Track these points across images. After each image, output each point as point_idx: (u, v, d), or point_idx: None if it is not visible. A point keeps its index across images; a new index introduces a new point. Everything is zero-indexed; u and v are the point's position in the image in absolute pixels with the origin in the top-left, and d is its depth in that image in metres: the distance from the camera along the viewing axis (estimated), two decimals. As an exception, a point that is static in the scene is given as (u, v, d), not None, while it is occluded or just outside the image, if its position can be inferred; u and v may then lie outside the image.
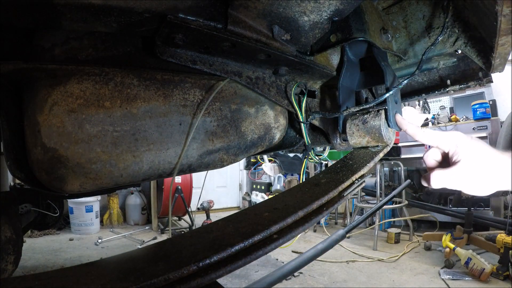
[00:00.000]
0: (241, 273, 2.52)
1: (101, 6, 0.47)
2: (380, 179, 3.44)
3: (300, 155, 5.17)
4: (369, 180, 3.76)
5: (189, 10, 0.52)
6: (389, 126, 0.70)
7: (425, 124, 4.19)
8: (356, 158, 0.70)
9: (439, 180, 0.54)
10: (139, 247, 3.22)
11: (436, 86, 0.99)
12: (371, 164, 0.66)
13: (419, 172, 4.29)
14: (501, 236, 2.33)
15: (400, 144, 3.81)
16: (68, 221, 4.06)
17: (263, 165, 5.44)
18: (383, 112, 0.70)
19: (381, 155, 0.71)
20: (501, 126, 3.23)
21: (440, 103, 4.48)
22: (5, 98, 0.65)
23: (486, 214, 3.29)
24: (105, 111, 0.58)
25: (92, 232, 4.05)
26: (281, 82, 0.75)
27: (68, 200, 3.88)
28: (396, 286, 2.28)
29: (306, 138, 0.81)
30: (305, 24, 0.62)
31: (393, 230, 3.43)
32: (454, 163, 0.54)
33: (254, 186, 5.76)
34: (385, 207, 3.56)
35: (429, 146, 0.62)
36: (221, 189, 5.99)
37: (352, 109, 0.74)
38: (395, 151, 3.54)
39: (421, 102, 4.42)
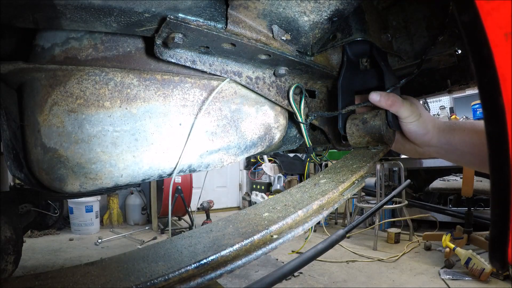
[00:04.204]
0: (241, 273, 2.52)
1: (101, 6, 0.47)
2: (380, 179, 3.44)
3: (300, 155, 5.17)
4: (369, 180, 3.76)
5: (189, 10, 0.52)
6: (389, 126, 0.70)
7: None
8: (356, 158, 0.70)
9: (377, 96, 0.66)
10: (139, 247, 3.22)
11: (436, 86, 0.99)
12: (371, 164, 0.66)
13: (419, 172, 4.29)
14: (501, 236, 2.32)
15: (400, 144, 3.80)
16: (68, 221, 4.07)
17: (263, 165, 5.44)
18: (383, 112, 0.70)
19: (381, 155, 0.71)
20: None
21: (440, 103, 4.48)
22: (5, 98, 0.65)
23: (486, 214, 3.29)
24: (105, 111, 0.58)
25: (92, 232, 4.05)
26: (281, 82, 0.75)
27: (68, 200, 3.88)
28: (396, 286, 2.29)
29: (307, 140, 0.80)
30: (305, 24, 0.62)
31: (393, 230, 3.43)
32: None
33: (254, 186, 5.76)
34: (385, 207, 3.56)
35: None
36: (221, 189, 5.99)
37: (351, 107, 0.74)
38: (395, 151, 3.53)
39: (421, 102, 4.42)
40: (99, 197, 4.19)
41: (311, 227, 0.56)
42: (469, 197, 2.73)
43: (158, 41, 0.55)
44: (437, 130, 0.68)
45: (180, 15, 0.52)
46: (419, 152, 0.74)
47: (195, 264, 0.39)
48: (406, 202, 3.48)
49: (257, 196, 5.28)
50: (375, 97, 0.67)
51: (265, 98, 0.74)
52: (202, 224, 3.93)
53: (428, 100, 4.46)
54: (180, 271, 0.38)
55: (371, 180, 3.75)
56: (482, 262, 2.24)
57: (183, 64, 0.60)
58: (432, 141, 0.69)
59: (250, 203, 5.48)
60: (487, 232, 2.83)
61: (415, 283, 2.32)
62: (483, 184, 2.78)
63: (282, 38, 0.64)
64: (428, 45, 0.79)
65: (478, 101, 3.73)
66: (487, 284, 2.24)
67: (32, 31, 0.61)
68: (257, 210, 0.54)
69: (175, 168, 0.65)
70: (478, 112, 3.71)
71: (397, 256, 2.89)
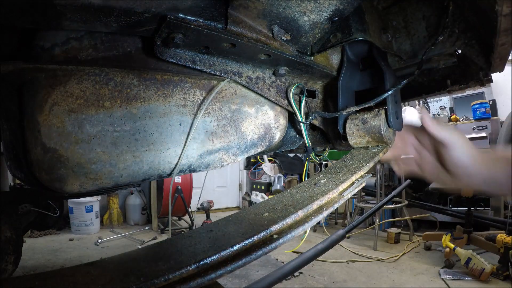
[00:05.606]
0: (241, 273, 2.52)
1: (101, 6, 0.47)
2: (380, 179, 3.44)
3: (300, 155, 5.17)
4: (369, 180, 3.76)
5: (189, 10, 0.52)
6: (389, 126, 0.70)
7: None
8: (356, 158, 0.70)
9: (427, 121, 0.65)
10: (139, 247, 3.22)
11: (436, 86, 0.99)
12: (371, 164, 0.66)
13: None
14: (501, 236, 2.33)
15: (400, 144, 3.80)
16: (68, 221, 4.06)
17: (263, 165, 5.44)
18: (383, 112, 0.70)
19: (381, 155, 0.71)
20: (501, 126, 3.23)
21: (440, 103, 4.48)
22: (5, 98, 0.65)
23: (486, 214, 3.29)
24: (105, 111, 0.58)
25: (92, 232, 4.05)
26: (281, 82, 0.75)
27: (68, 200, 3.88)
28: (396, 286, 2.29)
29: (307, 140, 0.80)
30: (305, 24, 0.62)
31: (393, 230, 3.43)
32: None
33: (254, 186, 5.75)
34: (385, 207, 3.56)
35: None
36: (221, 189, 5.99)
37: (352, 109, 0.74)
38: (395, 151, 3.52)
39: (421, 102, 4.41)
40: (99, 197, 4.18)
41: (311, 227, 0.56)
42: (469, 197, 2.73)
43: (158, 41, 0.55)
44: (479, 161, 0.63)
45: (180, 15, 0.52)
46: (456, 183, 0.68)
47: (195, 264, 0.39)
48: (406, 202, 3.47)
49: (257, 196, 5.28)
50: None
51: (265, 98, 0.74)
52: (202, 224, 3.93)
53: (428, 100, 4.46)
54: (180, 271, 0.38)
55: (371, 180, 3.75)
56: (482, 262, 2.24)
57: (183, 64, 0.60)
58: (473, 173, 0.63)
59: (250, 203, 5.47)
60: (487, 232, 2.83)
61: (415, 283, 2.32)
62: (483, 184, 2.78)
63: (282, 38, 0.64)
64: (428, 45, 0.79)
65: (478, 101, 3.74)
66: (487, 284, 2.24)
67: (32, 31, 0.61)
68: (257, 210, 0.54)
69: (175, 168, 0.65)
70: (478, 112, 3.71)
71: (397, 256, 2.89)
